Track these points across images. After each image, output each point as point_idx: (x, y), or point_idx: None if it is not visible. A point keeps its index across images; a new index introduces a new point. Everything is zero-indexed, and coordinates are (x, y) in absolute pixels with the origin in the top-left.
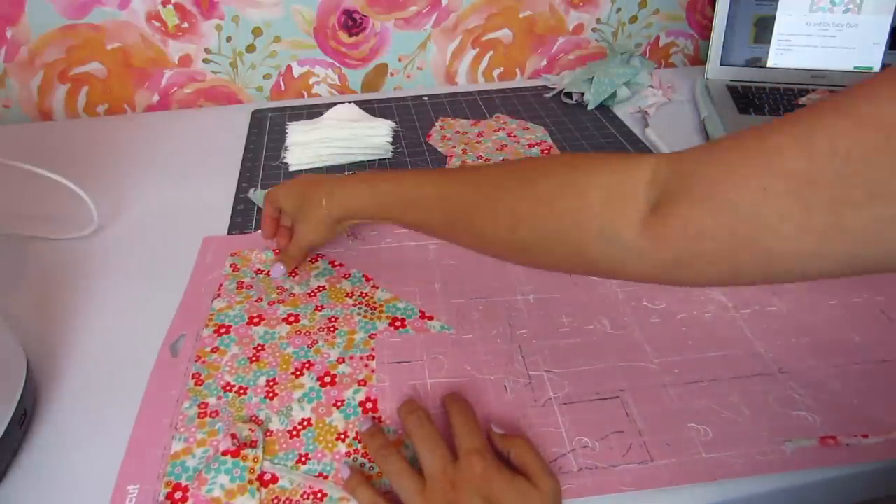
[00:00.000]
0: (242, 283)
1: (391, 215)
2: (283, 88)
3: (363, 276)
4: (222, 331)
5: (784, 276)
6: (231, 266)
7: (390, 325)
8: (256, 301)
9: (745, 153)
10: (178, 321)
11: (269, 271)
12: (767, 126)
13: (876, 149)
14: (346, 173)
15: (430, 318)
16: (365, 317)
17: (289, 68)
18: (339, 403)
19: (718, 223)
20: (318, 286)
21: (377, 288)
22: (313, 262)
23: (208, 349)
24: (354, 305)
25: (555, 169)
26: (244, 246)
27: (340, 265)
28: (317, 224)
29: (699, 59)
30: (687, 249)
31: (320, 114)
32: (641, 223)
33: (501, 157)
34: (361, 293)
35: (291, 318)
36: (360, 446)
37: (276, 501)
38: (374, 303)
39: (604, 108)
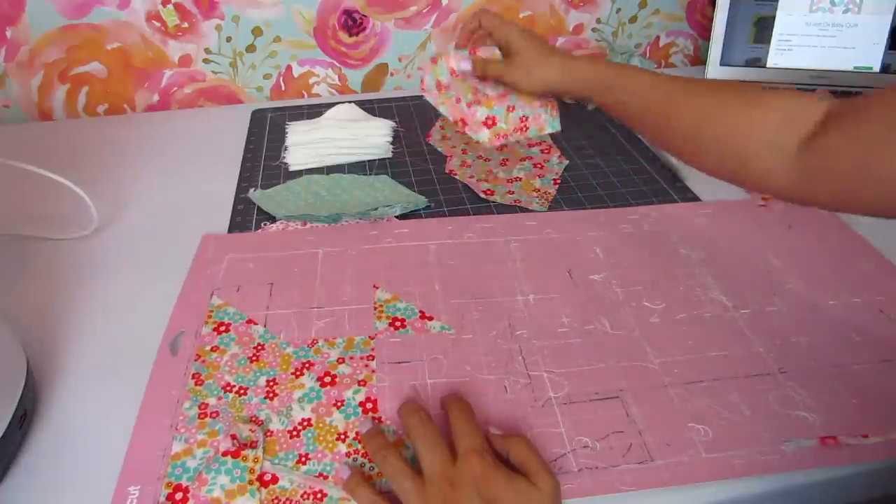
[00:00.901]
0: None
1: (603, 91)
2: (283, 88)
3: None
4: (221, 329)
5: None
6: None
7: (390, 325)
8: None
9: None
10: (177, 317)
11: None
12: None
13: None
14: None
15: (430, 319)
16: None
17: (289, 68)
18: (339, 403)
19: (849, 150)
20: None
21: (377, 288)
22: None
23: (208, 348)
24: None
25: (745, 88)
26: (244, 244)
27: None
28: (542, 80)
29: (699, 59)
30: (830, 166)
31: (320, 114)
32: (808, 136)
33: (501, 158)
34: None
35: None
36: (360, 446)
37: (276, 502)
38: (375, 303)
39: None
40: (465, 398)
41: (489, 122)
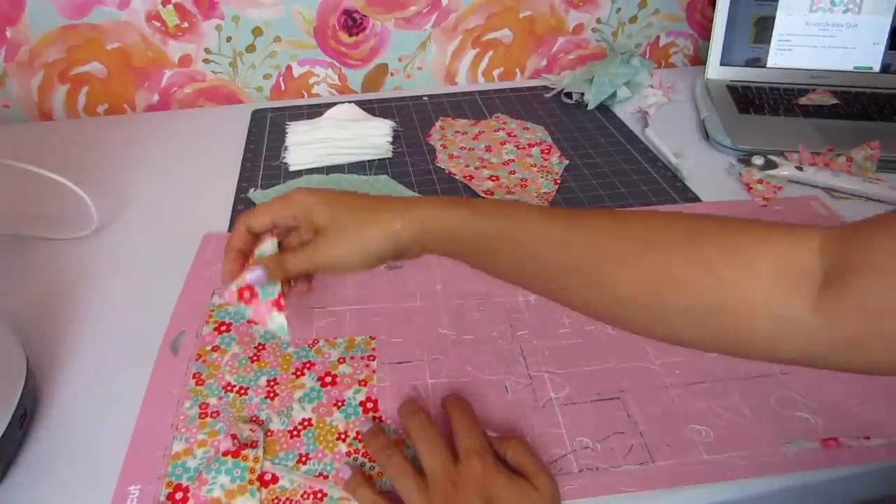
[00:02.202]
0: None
1: (485, 252)
2: (283, 88)
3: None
4: (223, 328)
5: None
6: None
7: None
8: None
9: None
10: (178, 316)
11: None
12: None
13: None
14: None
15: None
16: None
17: (289, 68)
18: (339, 403)
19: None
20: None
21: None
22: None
23: (209, 348)
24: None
25: (714, 231)
26: None
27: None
28: (368, 244)
29: (699, 59)
30: (864, 328)
31: (320, 114)
32: (815, 298)
33: (485, 145)
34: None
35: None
36: (360, 446)
37: (276, 501)
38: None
39: (604, 108)
40: (465, 398)
41: (493, 178)
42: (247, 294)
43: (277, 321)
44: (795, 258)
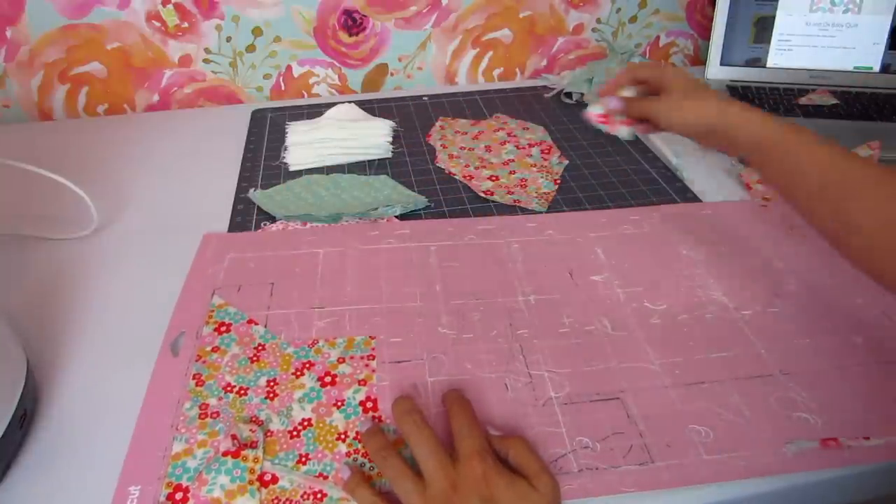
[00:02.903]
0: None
1: (765, 152)
2: (283, 88)
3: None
4: (222, 329)
5: None
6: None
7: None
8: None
9: None
10: (178, 317)
11: None
12: None
13: None
14: None
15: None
16: None
17: (289, 68)
18: (339, 403)
19: None
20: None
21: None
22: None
23: (209, 348)
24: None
25: None
26: (245, 244)
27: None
28: (688, 116)
29: (699, 59)
30: None
31: (320, 114)
32: None
33: (484, 145)
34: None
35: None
36: (360, 446)
37: (276, 502)
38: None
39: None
40: (465, 396)
41: (493, 178)
42: (603, 119)
43: (626, 132)
44: None
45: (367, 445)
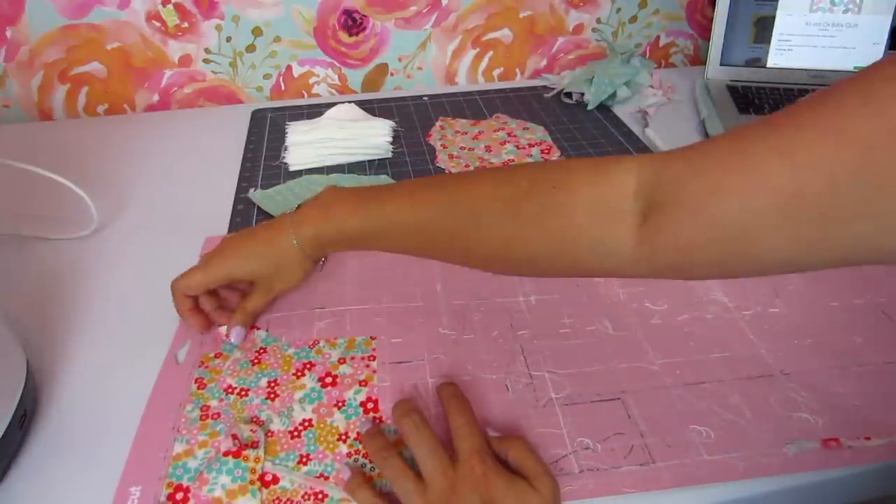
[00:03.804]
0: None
1: (368, 245)
2: (283, 88)
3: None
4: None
5: (775, 272)
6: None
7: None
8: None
9: (727, 167)
10: (182, 329)
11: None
12: (747, 132)
13: (857, 167)
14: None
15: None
16: None
17: (289, 68)
18: (340, 404)
19: (708, 238)
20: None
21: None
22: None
23: (212, 354)
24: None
25: (536, 188)
26: None
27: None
28: (291, 272)
29: (699, 59)
30: (679, 259)
31: (320, 114)
32: (633, 237)
33: (484, 145)
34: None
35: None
36: (361, 447)
37: (277, 502)
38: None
39: (604, 108)
40: (463, 394)
41: None
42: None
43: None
44: (609, 202)
45: (367, 446)
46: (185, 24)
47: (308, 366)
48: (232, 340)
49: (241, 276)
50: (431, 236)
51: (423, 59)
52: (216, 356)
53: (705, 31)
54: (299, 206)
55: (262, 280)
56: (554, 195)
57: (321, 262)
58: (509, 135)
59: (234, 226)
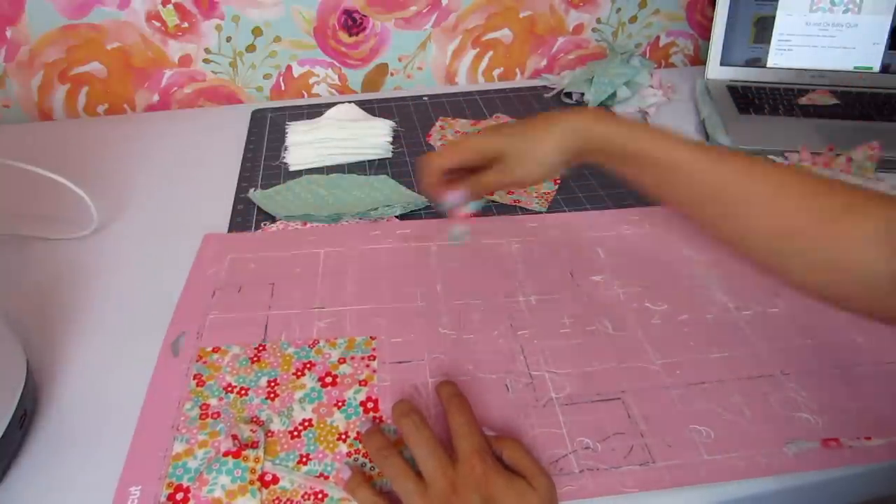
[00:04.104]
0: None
1: (642, 165)
2: (283, 88)
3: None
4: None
5: None
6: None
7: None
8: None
9: None
10: (178, 317)
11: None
12: None
13: None
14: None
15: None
16: None
17: (289, 68)
18: (340, 404)
19: None
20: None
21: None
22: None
23: (209, 349)
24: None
25: (834, 189)
26: (246, 244)
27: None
28: (545, 155)
29: (699, 59)
30: None
31: (320, 114)
32: None
33: None
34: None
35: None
36: (361, 446)
37: (277, 502)
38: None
39: (604, 108)
40: (461, 393)
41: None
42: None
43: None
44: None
45: (367, 445)
46: (185, 24)
47: (308, 365)
48: (448, 199)
49: (490, 149)
50: (705, 188)
51: (423, 59)
52: (213, 351)
53: (705, 31)
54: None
55: (507, 159)
56: (852, 199)
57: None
58: None
59: (234, 226)
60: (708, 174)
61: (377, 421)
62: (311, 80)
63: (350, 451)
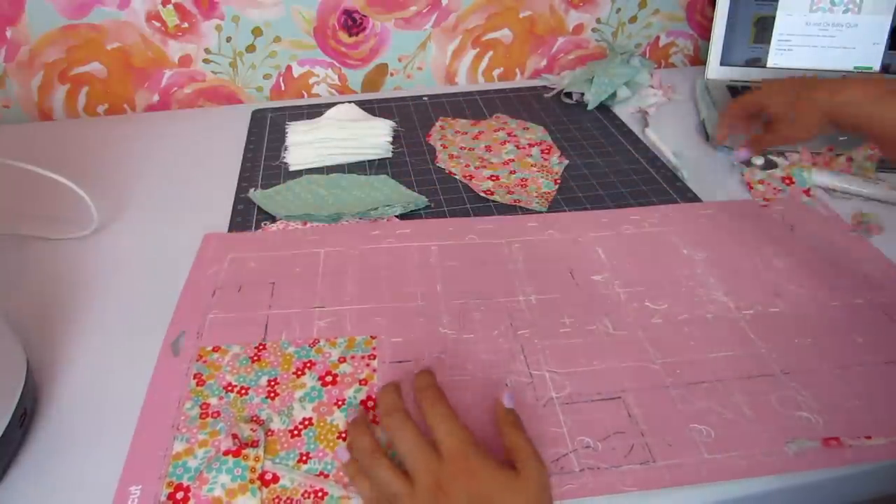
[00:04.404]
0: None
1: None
2: (283, 88)
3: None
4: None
5: None
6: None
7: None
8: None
9: None
10: (178, 317)
11: None
12: None
13: None
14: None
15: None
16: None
17: (289, 68)
18: (340, 402)
19: None
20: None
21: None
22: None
23: (209, 348)
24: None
25: None
26: (246, 244)
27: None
28: (808, 125)
29: (699, 59)
30: None
31: (320, 114)
32: None
33: (484, 145)
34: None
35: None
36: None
37: (277, 501)
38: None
39: (604, 108)
40: (435, 384)
41: (493, 178)
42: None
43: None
44: None
45: (352, 443)
46: (185, 25)
47: (308, 364)
48: (740, 156)
49: (770, 104)
50: None
51: (423, 59)
52: (214, 350)
53: (705, 32)
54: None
55: (780, 119)
56: None
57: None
58: (509, 135)
59: (234, 226)
60: None
61: (364, 413)
62: (311, 81)
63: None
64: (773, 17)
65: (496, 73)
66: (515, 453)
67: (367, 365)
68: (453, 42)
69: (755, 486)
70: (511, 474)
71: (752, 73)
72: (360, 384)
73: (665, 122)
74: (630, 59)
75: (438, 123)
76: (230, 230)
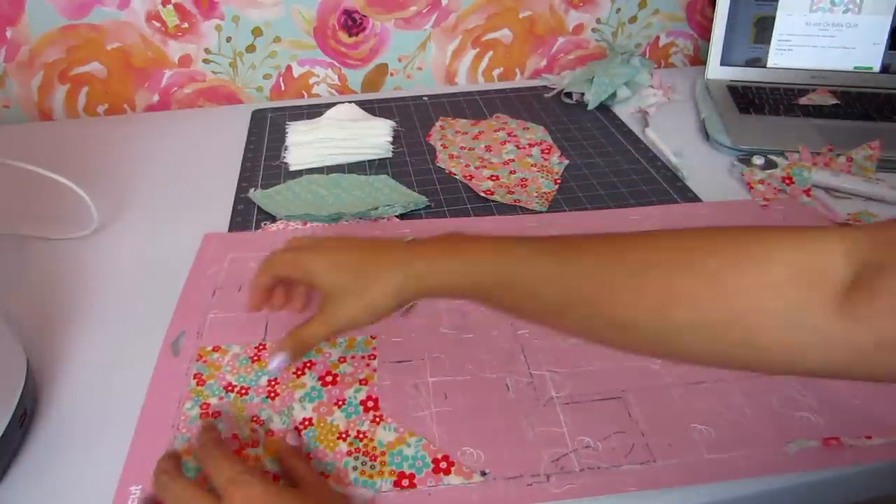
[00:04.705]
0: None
1: (486, 296)
2: (283, 88)
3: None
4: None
5: None
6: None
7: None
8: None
9: None
10: (178, 317)
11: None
12: None
13: None
14: (408, 238)
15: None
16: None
17: (289, 68)
18: (340, 402)
19: None
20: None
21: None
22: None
23: (209, 348)
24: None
25: (724, 243)
26: (246, 244)
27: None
28: (374, 303)
29: (699, 59)
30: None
31: (320, 114)
32: (837, 303)
33: (485, 145)
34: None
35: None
36: (361, 445)
37: None
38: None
39: (604, 108)
40: (209, 427)
41: (493, 178)
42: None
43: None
44: (815, 262)
45: (157, 468)
46: (185, 25)
47: (308, 364)
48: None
49: (323, 282)
50: (564, 290)
51: (422, 60)
52: (214, 350)
53: (705, 32)
54: (413, 240)
55: (334, 299)
56: (748, 249)
57: (405, 308)
58: (509, 135)
59: (234, 226)
60: (556, 282)
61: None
62: (311, 81)
63: (350, 450)
64: (773, 17)
65: (496, 73)
66: (294, 472)
67: (367, 365)
68: (453, 42)
69: (755, 486)
70: (290, 495)
71: (752, 74)
72: (361, 384)
73: (665, 122)
74: (630, 59)
75: (438, 123)
76: (230, 230)
